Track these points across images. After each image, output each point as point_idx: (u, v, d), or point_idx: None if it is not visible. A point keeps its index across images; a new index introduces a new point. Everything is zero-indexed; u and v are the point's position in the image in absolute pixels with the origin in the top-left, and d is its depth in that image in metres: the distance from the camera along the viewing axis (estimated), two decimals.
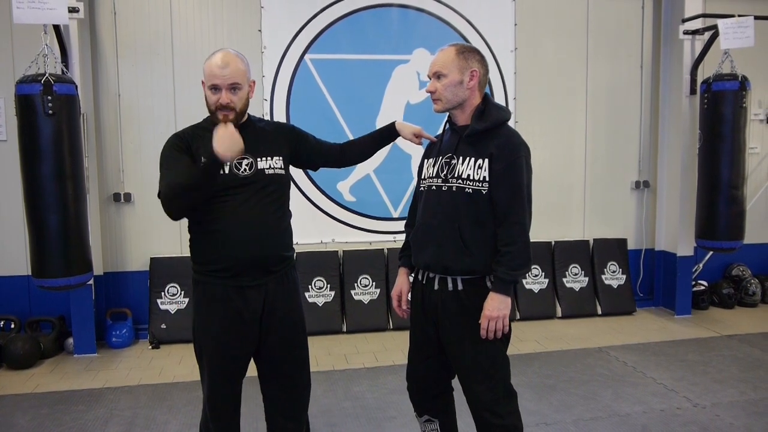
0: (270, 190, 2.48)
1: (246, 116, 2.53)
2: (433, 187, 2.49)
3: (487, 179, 2.36)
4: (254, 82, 2.55)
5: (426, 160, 2.61)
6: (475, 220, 2.39)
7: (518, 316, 5.63)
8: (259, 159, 2.47)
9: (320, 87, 5.40)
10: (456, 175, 2.42)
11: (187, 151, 2.44)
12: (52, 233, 3.97)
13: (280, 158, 2.54)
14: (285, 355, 2.57)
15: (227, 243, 2.42)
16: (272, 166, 2.49)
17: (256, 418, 3.51)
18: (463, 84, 2.42)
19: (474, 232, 2.39)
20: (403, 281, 2.71)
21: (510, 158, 2.36)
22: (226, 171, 2.40)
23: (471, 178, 2.38)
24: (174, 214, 2.40)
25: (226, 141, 2.23)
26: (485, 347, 2.42)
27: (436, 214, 2.46)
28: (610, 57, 5.94)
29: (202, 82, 2.49)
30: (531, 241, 2.42)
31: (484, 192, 2.37)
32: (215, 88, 2.42)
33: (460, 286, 2.43)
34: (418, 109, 5.50)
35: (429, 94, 2.50)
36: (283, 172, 2.54)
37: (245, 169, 2.43)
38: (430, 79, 2.48)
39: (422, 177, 2.60)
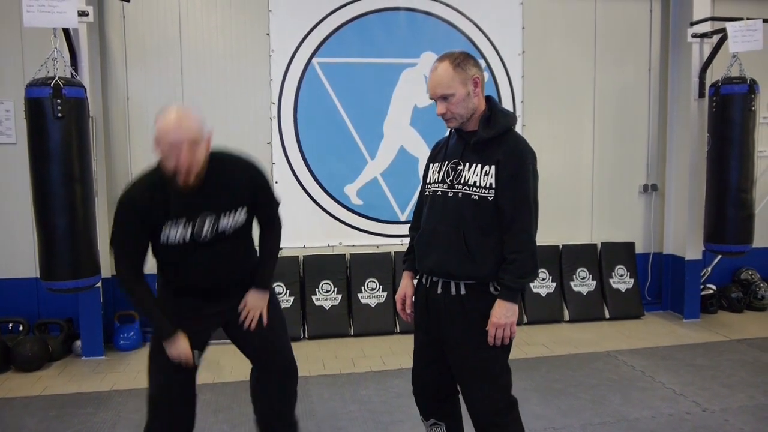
0: (231, 244, 2.51)
1: (207, 163, 2.38)
2: (439, 193, 2.47)
3: (494, 186, 2.33)
4: (210, 134, 2.38)
5: (431, 165, 2.59)
6: (480, 227, 2.36)
7: (525, 320, 5.61)
8: (222, 215, 2.43)
9: (328, 90, 5.41)
10: (462, 182, 2.40)
11: (141, 219, 2.38)
12: (61, 236, 3.99)
13: (244, 207, 2.50)
14: (261, 339, 2.68)
15: (190, 288, 2.54)
16: (235, 220, 2.47)
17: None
18: (470, 95, 2.36)
19: (479, 239, 2.36)
20: (407, 285, 2.70)
21: (517, 165, 2.34)
22: (187, 239, 2.40)
23: (477, 184, 2.36)
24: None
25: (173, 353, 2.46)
26: (486, 354, 2.40)
27: (441, 220, 2.44)
28: (618, 60, 5.93)
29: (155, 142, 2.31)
30: (538, 244, 2.40)
31: (490, 199, 2.34)
32: (168, 156, 2.26)
33: (463, 291, 2.41)
34: (425, 112, 5.49)
35: (440, 116, 2.42)
36: (245, 220, 2.53)
37: (206, 234, 2.42)
38: (435, 101, 2.40)
39: (427, 181, 2.58)
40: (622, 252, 6.00)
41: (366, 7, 5.39)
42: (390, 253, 5.60)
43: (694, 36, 5.55)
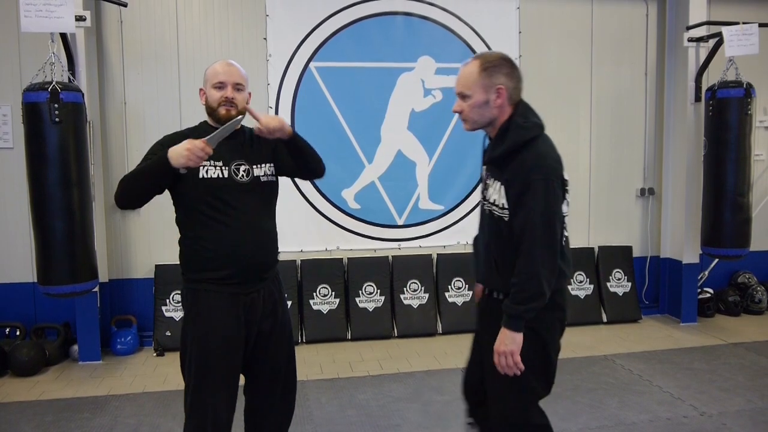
0: (264, 196, 2.59)
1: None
2: (480, 204, 2.48)
3: (506, 206, 2.26)
4: (250, 94, 2.63)
5: (482, 168, 2.51)
6: (503, 245, 2.30)
7: None
8: (254, 166, 2.54)
9: (325, 94, 5.41)
10: (487, 197, 2.37)
11: None
12: (58, 240, 3.98)
13: (272, 165, 2.62)
14: (283, 356, 2.67)
15: (228, 249, 2.46)
16: (266, 173, 2.58)
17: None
18: (489, 103, 2.25)
19: (504, 258, 2.30)
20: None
21: (523, 184, 2.19)
22: (225, 175, 2.46)
23: (496, 202, 2.30)
24: (120, 200, 2.45)
25: (183, 151, 2.26)
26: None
27: (481, 233, 2.46)
28: (615, 64, 5.94)
29: (201, 90, 2.58)
30: None
31: (505, 219, 2.26)
32: (220, 86, 2.50)
33: (501, 296, 2.35)
34: (422, 116, 5.49)
35: (457, 113, 2.35)
36: (274, 178, 2.64)
37: (243, 176, 2.50)
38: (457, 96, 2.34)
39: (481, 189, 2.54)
40: (619, 256, 6.00)
41: (363, 11, 5.40)
42: (387, 257, 5.60)
43: (690, 40, 5.56)
